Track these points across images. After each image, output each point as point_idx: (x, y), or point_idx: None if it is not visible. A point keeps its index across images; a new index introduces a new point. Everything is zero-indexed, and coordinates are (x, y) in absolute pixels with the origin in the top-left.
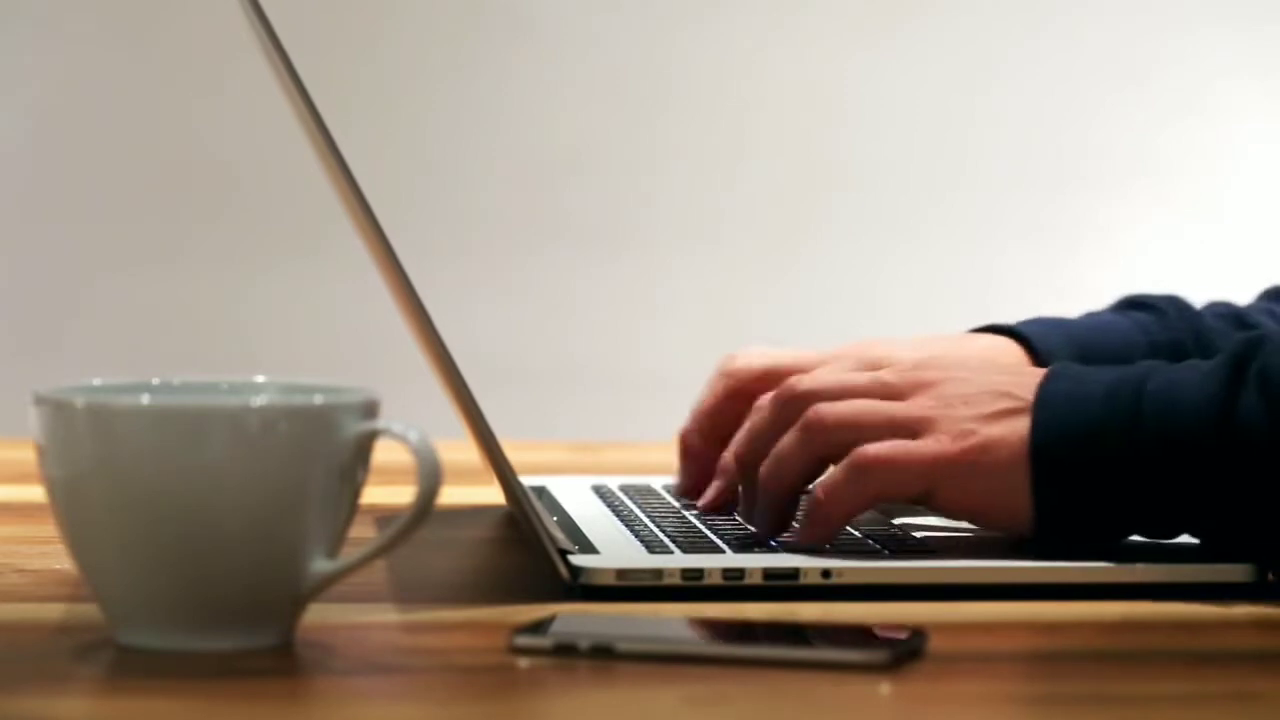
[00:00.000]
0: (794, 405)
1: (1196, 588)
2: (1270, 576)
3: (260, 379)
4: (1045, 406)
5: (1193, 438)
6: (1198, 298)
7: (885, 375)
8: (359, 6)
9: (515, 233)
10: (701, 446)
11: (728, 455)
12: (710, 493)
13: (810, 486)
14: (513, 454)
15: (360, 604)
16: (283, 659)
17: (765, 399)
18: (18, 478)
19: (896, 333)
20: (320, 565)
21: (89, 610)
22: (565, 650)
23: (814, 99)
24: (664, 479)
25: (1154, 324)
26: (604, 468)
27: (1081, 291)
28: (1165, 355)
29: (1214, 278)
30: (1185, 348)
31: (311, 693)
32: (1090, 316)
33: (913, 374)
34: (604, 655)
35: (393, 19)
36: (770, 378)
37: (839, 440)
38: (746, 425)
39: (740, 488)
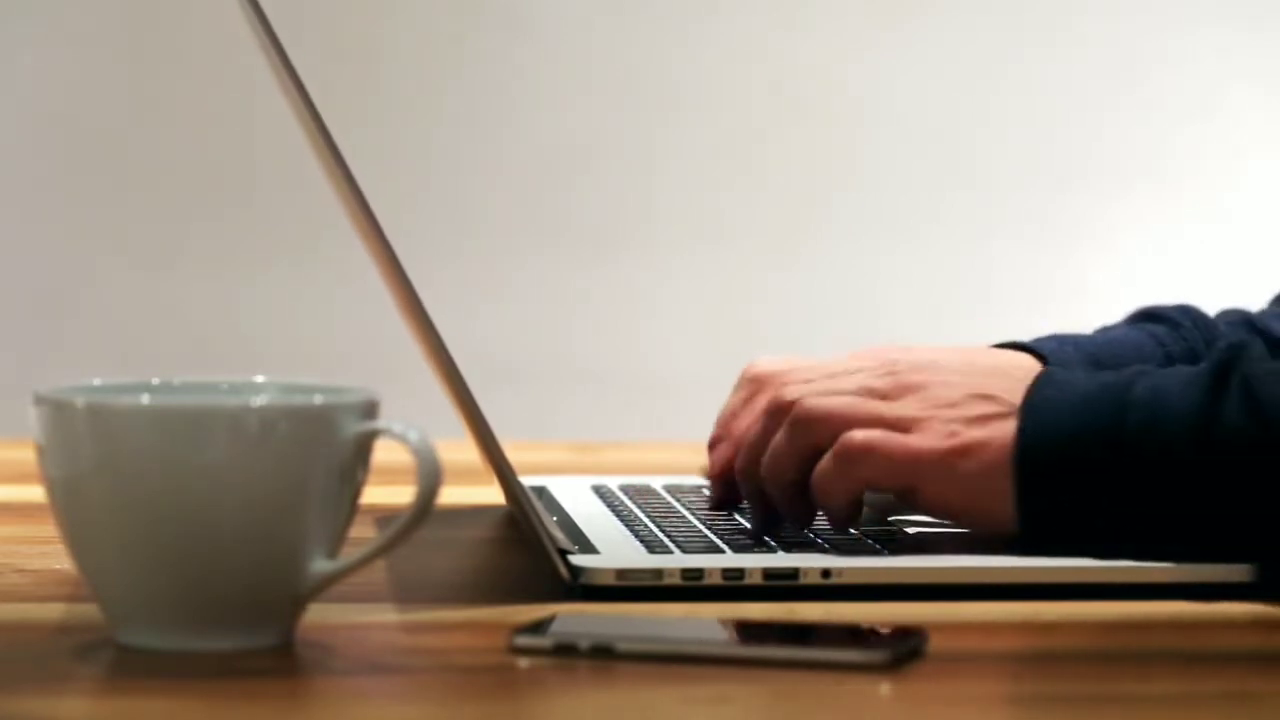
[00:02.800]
0: (783, 410)
1: (1196, 588)
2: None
3: (260, 379)
4: (1030, 411)
5: (1176, 445)
6: (1200, 299)
7: (870, 380)
8: (359, 6)
9: (515, 233)
10: (729, 452)
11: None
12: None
13: None
14: (513, 454)
15: (360, 604)
16: (283, 659)
17: (757, 409)
18: (18, 478)
19: (898, 333)
20: (320, 565)
21: (89, 610)
22: (565, 650)
23: (817, 99)
24: (664, 479)
25: (1168, 335)
26: (604, 468)
27: (1085, 293)
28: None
29: (1217, 280)
30: (1201, 358)
31: (311, 693)
32: (1104, 331)
33: (898, 378)
34: (604, 655)
35: (393, 18)
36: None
37: (827, 432)
38: (744, 440)
39: (748, 499)
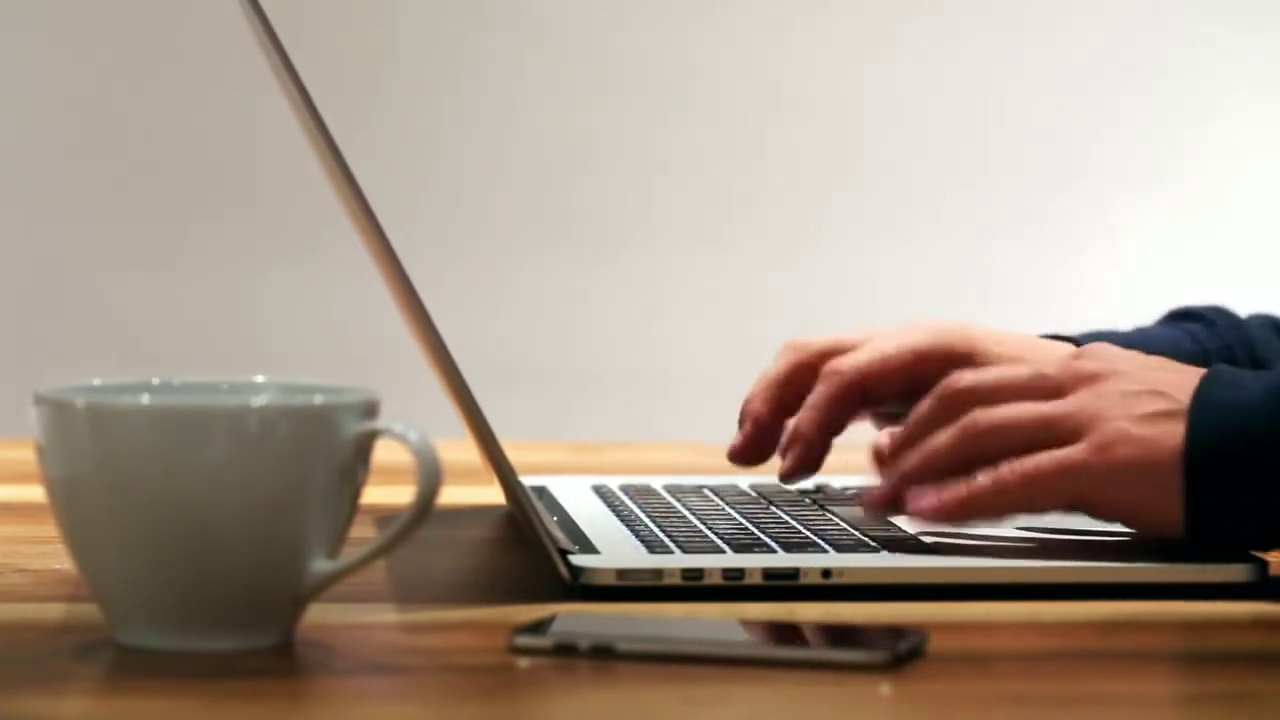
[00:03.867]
0: (954, 401)
1: (1196, 588)
2: None
3: (260, 379)
4: (1202, 410)
5: None
6: (1200, 300)
7: (1047, 369)
8: (360, 7)
9: (516, 233)
10: (766, 414)
11: (800, 423)
12: (790, 461)
13: None
14: (513, 454)
15: (360, 604)
16: (283, 659)
17: (927, 397)
18: (18, 478)
19: None
20: (320, 565)
21: (89, 610)
22: (565, 650)
23: (819, 99)
24: (664, 479)
25: (1204, 333)
26: (604, 468)
27: (1087, 293)
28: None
29: (1218, 280)
30: (1235, 357)
31: (311, 693)
32: (1141, 330)
33: (1074, 366)
34: (604, 655)
35: (394, 18)
36: (836, 351)
37: (992, 445)
38: (911, 416)
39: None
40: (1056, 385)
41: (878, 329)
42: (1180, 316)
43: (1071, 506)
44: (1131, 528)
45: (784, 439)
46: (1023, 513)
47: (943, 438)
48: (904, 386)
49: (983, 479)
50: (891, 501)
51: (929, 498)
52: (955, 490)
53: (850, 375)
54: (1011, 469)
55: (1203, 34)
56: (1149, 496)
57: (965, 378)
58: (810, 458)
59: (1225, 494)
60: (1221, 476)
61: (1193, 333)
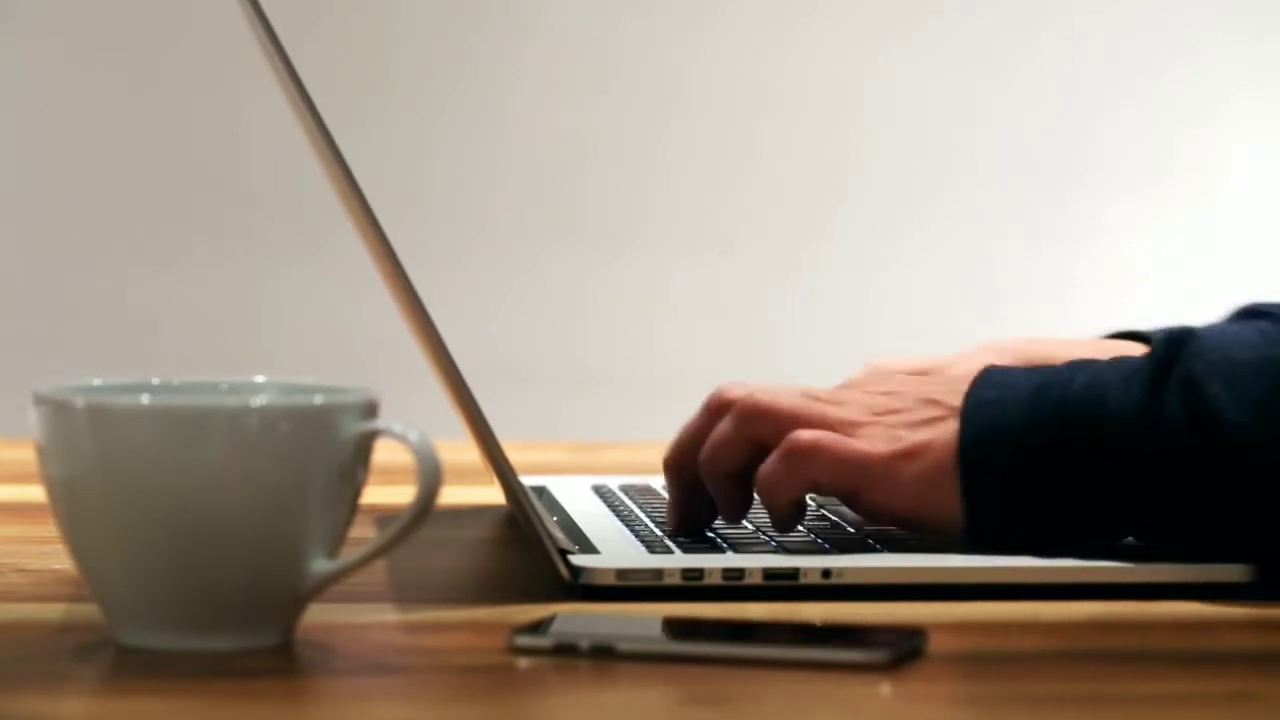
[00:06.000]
0: (725, 405)
1: (1196, 588)
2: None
3: (260, 379)
4: (972, 410)
5: (1117, 442)
6: (1201, 300)
7: (813, 390)
8: (360, 7)
9: (516, 233)
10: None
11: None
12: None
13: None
14: (513, 454)
15: (360, 604)
16: (283, 659)
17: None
18: (18, 478)
19: (901, 334)
20: (320, 565)
21: (89, 610)
22: (565, 650)
23: (821, 101)
24: (664, 479)
25: (1273, 329)
26: (604, 468)
27: (1090, 293)
28: None
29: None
30: None
31: (311, 693)
32: (1212, 327)
33: (840, 389)
34: (604, 655)
35: (395, 18)
36: (915, 374)
37: (772, 428)
38: (680, 432)
39: (676, 490)
40: (827, 398)
41: (961, 353)
42: (1251, 314)
43: (850, 498)
44: (910, 528)
45: None
46: (805, 485)
47: (723, 426)
48: None
49: (772, 455)
50: (684, 509)
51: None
52: (757, 491)
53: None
54: (797, 435)
55: (1202, 35)
56: (927, 494)
57: (735, 389)
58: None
59: (1001, 490)
60: (995, 472)
61: (1262, 329)
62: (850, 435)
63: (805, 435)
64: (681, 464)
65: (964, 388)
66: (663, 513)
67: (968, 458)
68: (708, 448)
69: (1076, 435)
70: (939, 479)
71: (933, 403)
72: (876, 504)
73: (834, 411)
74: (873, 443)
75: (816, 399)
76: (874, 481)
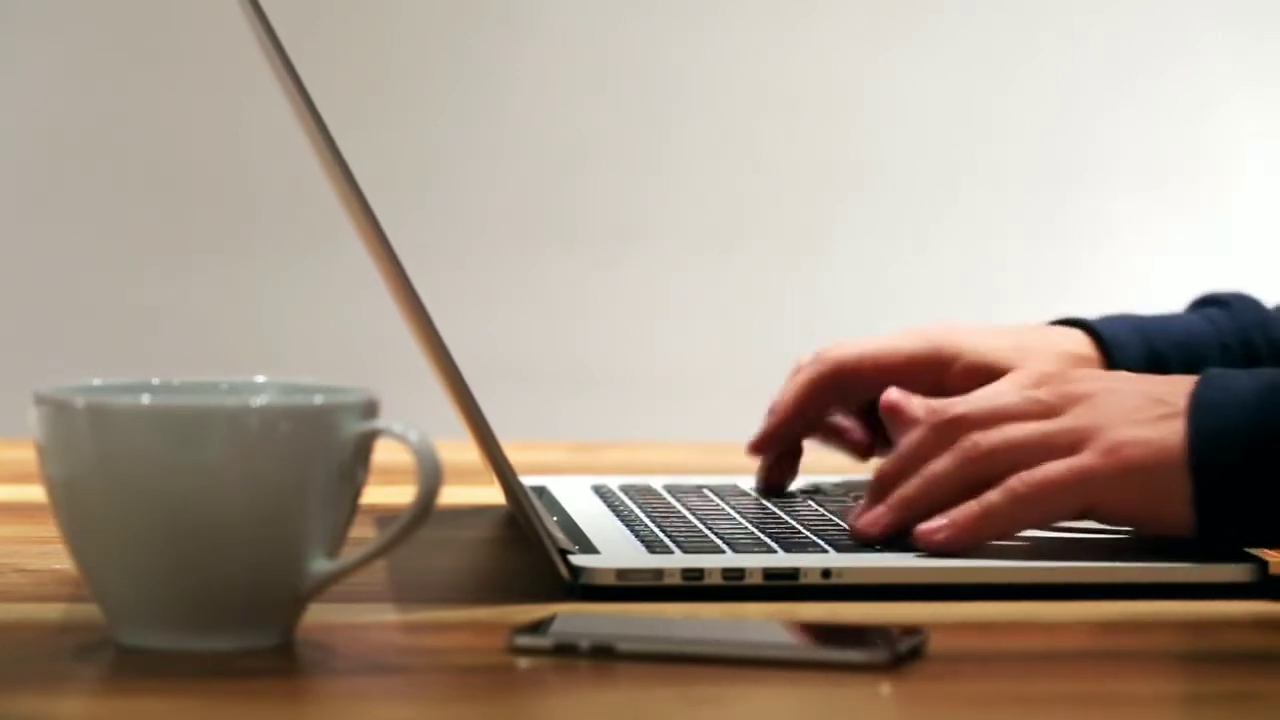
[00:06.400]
0: (948, 430)
1: (1196, 588)
2: None
3: (260, 379)
4: (1201, 410)
5: None
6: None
7: (1039, 394)
8: (360, 7)
9: (516, 233)
10: (786, 424)
11: (776, 400)
12: (759, 432)
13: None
14: (513, 454)
15: (360, 604)
16: (283, 659)
17: (918, 419)
18: (18, 478)
19: None
20: (320, 565)
21: (89, 610)
22: (565, 650)
23: (822, 100)
24: (664, 479)
25: (1221, 316)
26: (604, 468)
27: (1092, 292)
28: (1234, 347)
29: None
30: (1253, 340)
31: (311, 693)
32: (1159, 315)
33: (1065, 388)
34: (604, 655)
35: (395, 18)
36: (861, 365)
37: (995, 467)
38: (900, 447)
39: (869, 496)
40: (1049, 407)
41: (891, 337)
42: (1203, 303)
43: (1083, 514)
44: (1142, 529)
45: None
46: (1036, 525)
47: (942, 463)
48: (884, 388)
49: (995, 495)
50: (890, 529)
51: (941, 524)
52: (967, 510)
53: (828, 364)
54: (1023, 481)
55: (1202, 35)
56: (1157, 497)
57: (956, 407)
58: (776, 434)
59: (1231, 490)
60: (1226, 473)
61: (1211, 317)
62: (1075, 447)
63: (1028, 479)
64: (893, 482)
65: (1187, 388)
66: (663, 513)
67: (1197, 458)
68: (925, 483)
69: None
70: (1168, 480)
71: (1159, 401)
72: (1110, 513)
73: (1056, 428)
74: (1097, 454)
75: (1041, 403)
76: (1102, 493)
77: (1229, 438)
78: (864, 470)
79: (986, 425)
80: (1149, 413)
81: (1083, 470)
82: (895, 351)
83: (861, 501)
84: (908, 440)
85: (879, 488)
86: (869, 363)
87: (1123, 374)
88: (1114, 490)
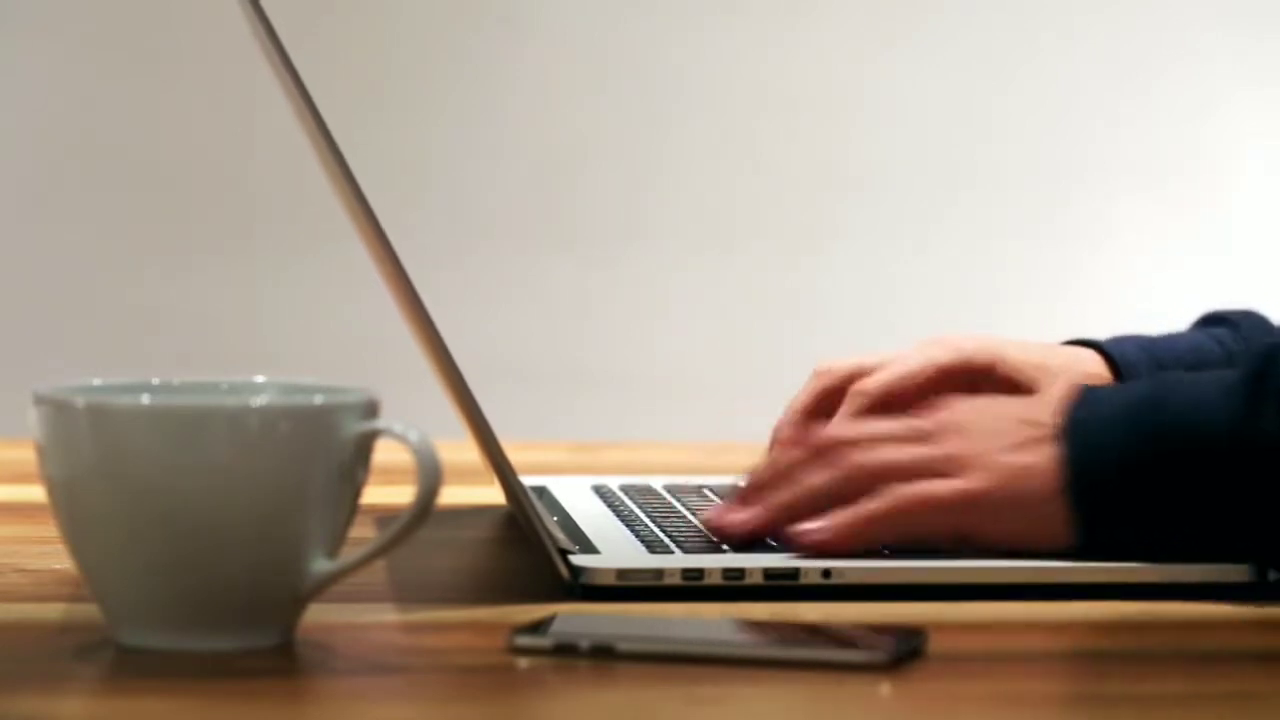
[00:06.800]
0: (828, 449)
1: (1196, 588)
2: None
3: (260, 379)
4: (1072, 431)
5: (1218, 455)
6: (1204, 300)
7: (917, 421)
8: (360, 6)
9: (516, 233)
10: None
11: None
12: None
13: None
14: (513, 454)
15: (360, 604)
16: (283, 659)
17: (798, 441)
18: (18, 478)
19: (903, 336)
20: (320, 565)
21: (89, 610)
22: (565, 650)
23: (823, 101)
24: (664, 479)
25: (1229, 336)
26: (604, 468)
27: (1092, 292)
28: None
29: (1222, 281)
30: None
31: (311, 693)
32: (1167, 335)
33: (940, 415)
34: (604, 655)
35: (396, 18)
36: (862, 374)
37: (873, 486)
38: (777, 458)
39: (738, 498)
40: (926, 434)
41: (900, 350)
42: (1210, 321)
43: (958, 539)
44: (1022, 550)
45: None
46: (909, 540)
47: (821, 475)
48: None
49: (875, 502)
50: (759, 532)
51: (819, 525)
52: (845, 514)
53: (876, 395)
54: (904, 493)
55: (1202, 35)
56: (1036, 521)
57: (835, 430)
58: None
59: (1106, 509)
60: (1100, 492)
61: (1218, 337)
62: (950, 472)
63: (908, 492)
64: (769, 494)
65: (1056, 406)
66: (663, 513)
67: (1073, 480)
68: (806, 495)
69: (1176, 450)
70: (1045, 504)
71: (1030, 422)
72: (987, 537)
73: (937, 453)
74: (973, 478)
75: (917, 429)
76: (979, 517)
77: (1101, 459)
78: None
79: (865, 448)
80: (1018, 436)
81: (964, 492)
82: (935, 365)
83: (723, 502)
84: (786, 455)
85: (750, 492)
86: (918, 380)
87: (987, 397)
88: (991, 514)
